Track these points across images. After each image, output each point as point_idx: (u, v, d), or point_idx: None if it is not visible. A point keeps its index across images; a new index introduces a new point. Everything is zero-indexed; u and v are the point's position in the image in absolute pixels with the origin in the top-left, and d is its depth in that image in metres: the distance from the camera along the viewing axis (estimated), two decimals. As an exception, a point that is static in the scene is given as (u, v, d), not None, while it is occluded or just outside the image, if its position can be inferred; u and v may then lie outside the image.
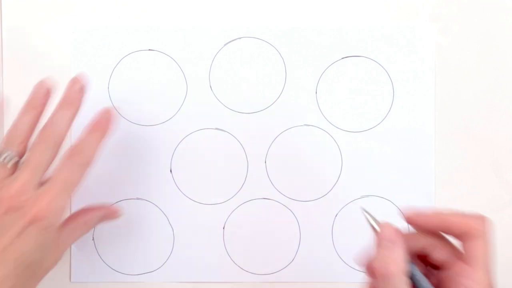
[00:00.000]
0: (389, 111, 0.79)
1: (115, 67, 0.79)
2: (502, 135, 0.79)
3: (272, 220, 0.78)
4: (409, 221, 0.58)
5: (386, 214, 0.78)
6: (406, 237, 0.58)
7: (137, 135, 0.79)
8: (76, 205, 0.78)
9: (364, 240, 0.78)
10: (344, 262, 0.78)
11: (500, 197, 0.78)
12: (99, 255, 0.78)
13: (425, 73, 0.79)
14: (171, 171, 0.79)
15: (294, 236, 0.78)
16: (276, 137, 0.79)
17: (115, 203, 0.78)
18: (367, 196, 0.78)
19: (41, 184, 0.66)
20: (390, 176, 0.78)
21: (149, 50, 0.79)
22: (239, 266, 0.78)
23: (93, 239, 0.78)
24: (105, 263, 0.78)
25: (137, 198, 0.79)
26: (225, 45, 0.79)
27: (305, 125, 0.79)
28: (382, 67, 0.79)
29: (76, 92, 0.70)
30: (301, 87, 0.79)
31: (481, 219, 0.56)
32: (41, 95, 0.69)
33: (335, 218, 0.78)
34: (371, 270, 0.57)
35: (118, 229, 0.78)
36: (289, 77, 0.79)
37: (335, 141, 0.79)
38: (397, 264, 0.55)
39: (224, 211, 0.78)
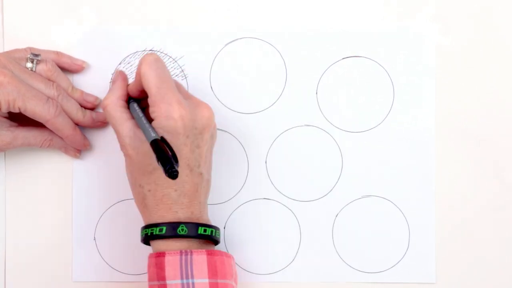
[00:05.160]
0: (389, 111, 0.79)
1: (116, 68, 0.79)
2: (502, 135, 0.79)
3: (272, 220, 0.79)
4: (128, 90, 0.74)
5: (386, 214, 0.79)
6: (130, 85, 0.74)
7: (138, 135, 0.79)
8: (77, 203, 0.78)
9: (364, 240, 0.79)
10: (344, 262, 0.78)
11: (500, 197, 0.78)
12: (100, 254, 0.79)
13: (425, 74, 0.79)
14: (172, 171, 0.79)
15: (294, 236, 0.78)
16: (277, 137, 0.79)
17: (116, 203, 0.79)
18: (368, 196, 0.79)
19: None
20: (390, 176, 0.79)
21: (150, 50, 0.79)
22: (239, 266, 0.78)
23: (94, 239, 0.79)
24: (106, 262, 0.79)
25: (138, 198, 0.79)
26: (225, 45, 0.79)
27: (305, 125, 0.79)
28: (383, 67, 0.79)
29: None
30: (301, 87, 0.79)
31: (140, 64, 0.71)
32: None
33: (335, 218, 0.79)
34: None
35: (119, 229, 0.79)
36: (289, 77, 0.79)
37: (335, 141, 0.79)
38: (111, 99, 0.72)
39: (224, 211, 0.79)
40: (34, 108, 0.71)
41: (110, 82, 0.79)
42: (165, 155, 0.64)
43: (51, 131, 0.75)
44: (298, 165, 0.79)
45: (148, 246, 0.73)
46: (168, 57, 0.79)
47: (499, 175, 0.78)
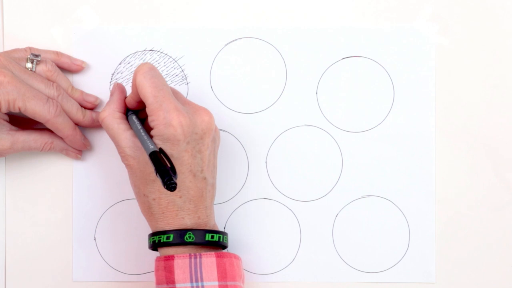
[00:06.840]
0: (389, 111, 0.79)
1: (116, 68, 0.79)
2: (502, 135, 0.79)
3: (272, 220, 0.79)
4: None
5: (386, 214, 0.79)
6: (127, 97, 0.74)
7: (138, 135, 0.79)
8: (77, 203, 0.78)
9: (364, 240, 0.79)
10: (344, 262, 0.78)
11: (500, 197, 0.78)
12: (100, 254, 0.79)
13: (425, 73, 0.79)
14: (172, 171, 0.79)
15: (294, 236, 0.79)
16: (277, 137, 0.79)
17: (116, 203, 0.79)
18: (368, 196, 0.79)
19: None
20: (390, 176, 0.79)
21: (150, 50, 0.79)
22: (239, 266, 0.78)
23: (94, 239, 0.79)
24: (106, 262, 0.79)
25: (138, 198, 0.79)
26: (226, 45, 0.79)
27: (305, 125, 0.79)
28: (383, 67, 0.79)
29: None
30: (301, 87, 0.79)
31: (134, 74, 0.70)
32: None
33: (335, 218, 0.79)
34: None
35: (119, 229, 0.79)
36: (289, 77, 0.79)
37: (335, 141, 0.79)
38: (108, 111, 0.72)
39: (225, 211, 0.79)
40: (34, 108, 0.71)
41: (110, 82, 0.79)
42: (163, 167, 0.64)
43: (51, 134, 0.75)
44: (298, 165, 0.79)
45: (148, 246, 0.73)
46: (168, 57, 0.79)
47: (499, 175, 0.78)
